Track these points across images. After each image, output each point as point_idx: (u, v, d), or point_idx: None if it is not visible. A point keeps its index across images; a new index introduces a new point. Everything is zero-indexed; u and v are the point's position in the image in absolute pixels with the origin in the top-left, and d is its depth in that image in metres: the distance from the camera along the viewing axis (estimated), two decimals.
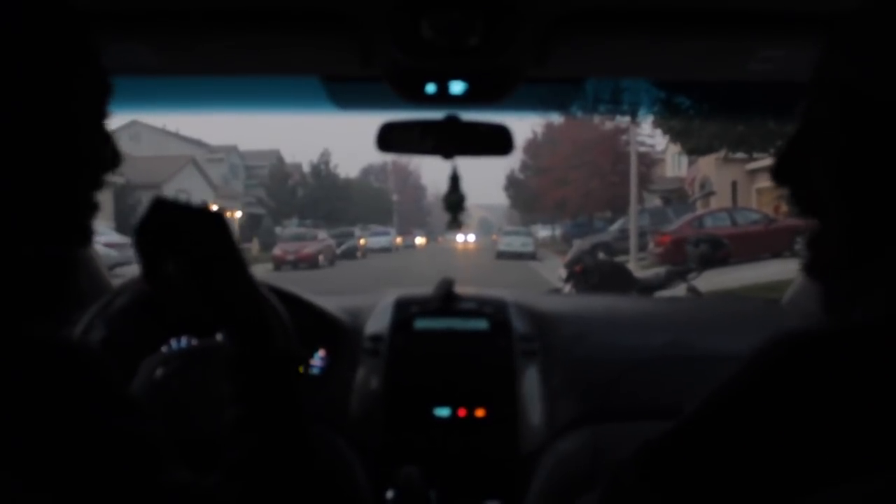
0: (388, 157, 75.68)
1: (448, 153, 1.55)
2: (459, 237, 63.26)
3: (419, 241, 53.83)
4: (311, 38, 1.28)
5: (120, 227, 27.20)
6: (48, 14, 0.72)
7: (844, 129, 0.69)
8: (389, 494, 1.47)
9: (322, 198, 46.61)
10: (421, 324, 1.83)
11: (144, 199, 29.55)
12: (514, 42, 1.22)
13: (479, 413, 1.74)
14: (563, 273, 7.11)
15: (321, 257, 26.45)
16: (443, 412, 1.74)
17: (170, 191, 32.88)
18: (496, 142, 1.56)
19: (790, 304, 2.07)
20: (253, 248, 30.20)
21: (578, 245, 8.53)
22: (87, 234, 0.80)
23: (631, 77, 1.67)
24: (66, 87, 0.73)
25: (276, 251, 26.26)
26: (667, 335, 1.85)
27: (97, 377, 0.68)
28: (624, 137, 31.53)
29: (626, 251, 19.46)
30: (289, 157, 53.83)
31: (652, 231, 19.77)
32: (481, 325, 1.82)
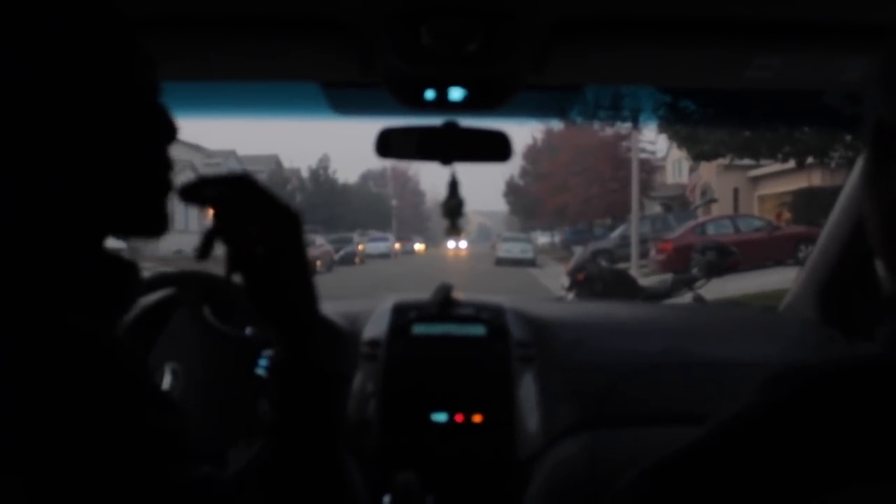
0: (388, 163, 75.65)
1: (446, 159, 1.55)
2: (451, 243, 62.97)
3: (418, 246, 53.35)
4: (310, 44, 1.29)
5: None
6: (98, 15, 0.74)
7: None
8: (386, 500, 1.48)
9: (320, 203, 46.57)
10: (419, 329, 1.84)
11: None
12: (514, 49, 1.24)
13: (477, 418, 1.75)
14: (565, 281, 7.02)
15: (319, 263, 26.22)
16: (440, 417, 1.75)
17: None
18: (494, 148, 1.56)
19: (788, 312, 2.08)
20: None
21: (580, 253, 8.45)
22: (163, 219, 0.80)
23: (629, 84, 1.68)
24: (121, 74, 0.74)
25: None
26: (664, 341, 1.87)
27: (128, 369, 0.68)
28: (624, 144, 31.56)
29: (627, 258, 19.39)
30: (287, 162, 53.74)
31: (653, 238, 19.74)
32: (479, 330, 1.84)
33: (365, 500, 1.64)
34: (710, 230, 17.90)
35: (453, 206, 1.62)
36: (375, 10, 1.15)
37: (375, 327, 1.85)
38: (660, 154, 35.20)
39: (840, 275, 1.92)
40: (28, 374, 0.62)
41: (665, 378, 1.78)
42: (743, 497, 0.64)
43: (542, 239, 46.43)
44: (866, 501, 0.60)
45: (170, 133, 0.78)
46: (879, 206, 0.70)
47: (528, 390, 1.78)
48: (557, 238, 43.33)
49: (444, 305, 1.86)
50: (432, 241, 68.65)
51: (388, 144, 1.56)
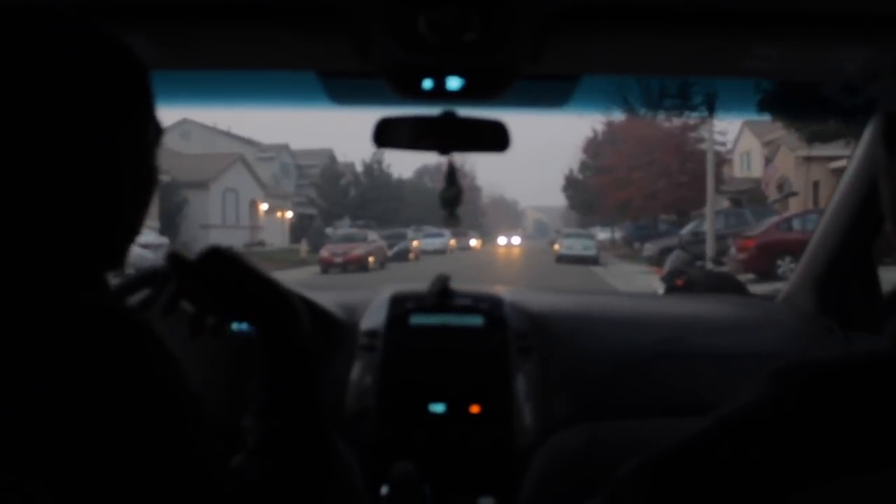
0: (443, 158, 75.43)
1: (444, 149, 1.58)
2: (502, 239, 61.92)
3: (474, 242, 52.75)
4: (307, 32, 1.32)
5: (164, 227, 26.85)
6: (111, 60, 0.82)
7: None
8: (384, 490, 1.51)
9: (374, 198, 46.15)
10: (416, 320, 1.86)
11: (191, 198, 29.04)
12: (511, 38, 1.26)
13: (474, 409, 1.77)
14: (659, 287, 6.06)
15: (371, 259, 25.43)
16: (438, 408, 1.77)
17: (217, 189, 32.47)
18: (493, 138, 1.57)
19: (785, 303, 2.10)
20: (301, 249, 29.35)
21: (675, 255, 7.59)
22: (122, 259, 0.87)
23: (627, 73, 1.67)
24: (117, 130, 0.81)
25: (324, 253, 25.68)
26: (662, 333, 1.88)
27: (146, 342, 0.73)
28: (693, 135, 30.18)
29: (700, 256, 18.06)
30: (341, 157, 53.84)
31: (732, 234, 18.45)
32: (477, 321, 1.86)
33: (363, 491, 1.66)
34: (797, 226, 16.77)
35: (451, 196, 1.66)
36: None
37: (373, 318, 1.87)
38: (729, 146, 33.62)
39: (838, 266, 1.92)
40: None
41: (663, 369, 1.80)
42: (746, 488, 0.65)
43: (602, 235, 45.31)
44: (869, 490, 0.61)
45: (153, 185, 0.88)
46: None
47: (526, 381, 1.80)
48: (618, 234, 42.09)
49: (441, 296, 1.88)
50: (488, 237, 67.81)
51: (386, 134, 1.58)
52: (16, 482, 0.63)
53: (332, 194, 44.39)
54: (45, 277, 0.73)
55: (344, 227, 36.05)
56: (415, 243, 33.86)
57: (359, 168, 49.92)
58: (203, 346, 1.44)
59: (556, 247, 33.86)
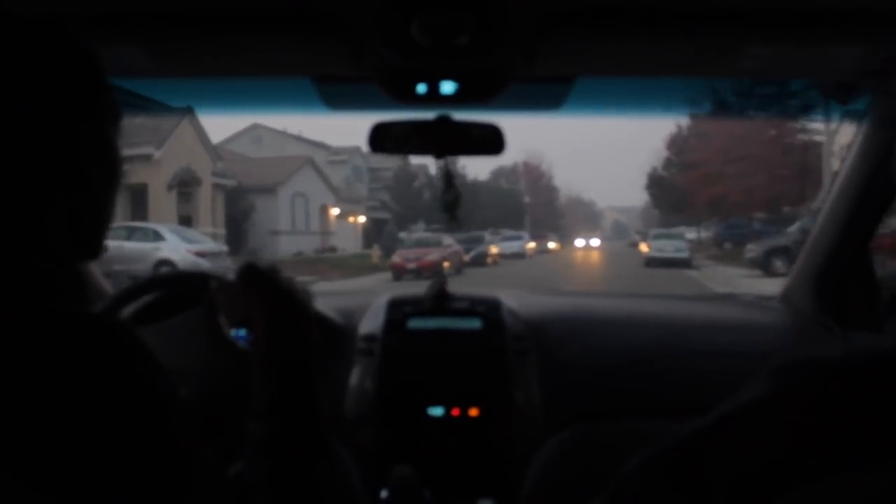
0: (519, 158, 74.92)
1: (439, 153, 1.61)
2: (579, 241, 60.33)
3: (552, 245, 51.57)
4: (301, 39, 1.33)
5: (231, 233, 25.94)
6: (59, 50, 0.82)
7: None
8: (384, 494, 1.51)
9: None
10: (414, 323, 1.88)
11: (259, 204, 27.40)
12: (504, 41, 1.28)
13: (473, 412, 1.79)
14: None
15: (447, 264, 23.80)
16: (436, 411, 1.79)
17: (286, 194, 31.45)
18: (487, 141, 1.59)
19: (783, 301, 2.10)
20: (372, 255, 27.96)
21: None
22: (97, 248, 0.89)
23: (621, 75, 1.65)
24: (73, 118, 0.82)
25: (395, 259, 24.02)
26: (659, 333, 1.90)
27: (128, 349, 0.74)
28: (794, 125, 27.95)
29: None
30: (414, 159, 52.10)
31: None
32: (474, 324, 1.87)
33: (362, 495, 1.69)
34: None
35: (450, 201, 1.72)
36: (366, 3, 1.20)
37: (371, 322, 1.90)
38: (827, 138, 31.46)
39: (835, 264, 1.92)
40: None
41: (661, 369, 1.81)
42: (747, 485, 0.66)
43: (688, 235, 42.94)
44: (868, 487, 0.62)
45: (118, 174, 0.90)
46: None
47: (524, 383, 1.81)
48: (704, 234, 39.89)
49: (438, 299, 1.90)
50: (565, 240, 66.52)
51: (381, 139, 1.60)
52: None
53: (406, 197, 43.46)
54: (20, 280, 0.75)
55: (419, 231, 35.08)
56: (493, 249, 32.14)
57: (432, 170, 48.88)
58: (205, 349, 1.50)
59: (645, 248, 31.50)
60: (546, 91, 1.60)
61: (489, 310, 1.88)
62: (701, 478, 0.67)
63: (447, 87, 1.40)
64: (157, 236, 18.01)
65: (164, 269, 14.67)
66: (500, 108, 1.59)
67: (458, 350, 1.82)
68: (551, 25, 1.23)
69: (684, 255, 27.40)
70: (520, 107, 1.70)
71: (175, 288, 1.68)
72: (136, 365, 0.72)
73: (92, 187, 0.83)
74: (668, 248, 28.08)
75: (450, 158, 1.68)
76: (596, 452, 1.62)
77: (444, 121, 1.54)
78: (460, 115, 1.55)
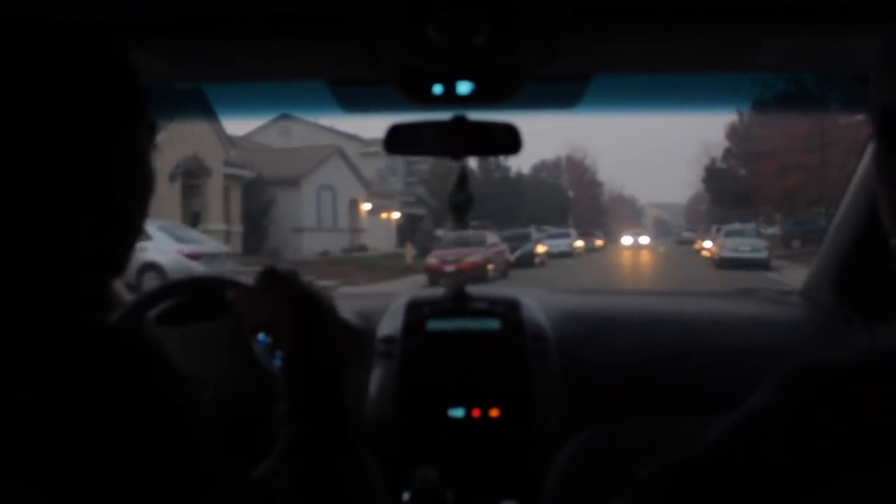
0: (562, 152, 72.75)
1: (456, 154, 1.61)
2: (626, 239, 57.70)
3: (598, 242, 49.79)
4: (317, 42, 1.33)
5: (248, 230, 23.36)
6: (104, 65, 0.81)
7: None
8: (406, 497, 1.52)
9: (491, 195, 43.81)
10: (433, 325, 1.88)
11: (280, 197, 23.73)
12: (520, 41, 1.28)
13: (494, 413, 1.79)
14: None
15: (491, 267, 20.73)
16: (457, 413, 1.79)
17: (311, 186, 28.78)
18: (504, 141, 1.59)
19: (804, 296, 2.08)
20: (406, 254, 25.12)
21: None
22: (122, 264, 0.88)
23: (639, 72, 1.63)
24: (112, 129, 0.81)
25: (432, 260, 21.19)
26: (679, 331, 1.88)
27: (147, 363, 0.74)
28: None
29: None
30: None
31: None
32: (493, 324, 1.87)
33: (385, 498, 1.69)
34: None
35: (461, 201, 1.69)
36: (382, 5, 1.20)
37: (390, 324, 1.89)
38: None
39: (856, 259, 1.91)
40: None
41: (681, 368, 1.80)
42: (765, 493, 0.65)
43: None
44: (883, 486, 0.62)
45: (150, 189, 0.88)
46: (891, 190, 0.74)
47: (544, 383, 1.80)
48: (769, 230, 36.90)
49: (457, 300, 1.89)
50: (609, 236, 65.42)
51: (398, 141, 1.60)
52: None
53: (444, 192, 40.63)
54: (46, 295, 0.75)
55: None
56: (540, 249, 29.14)
57: (472, 164, 46.73)
58: (231, 357, 1.47)
59: (713, 248, 28.36)
60: (562, 89, 1.59)
61: (508, 310, 1.89)
62: (718, 488, 0.67)
63: (463, 88, 1.41)
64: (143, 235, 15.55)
65: (149, 275, 12.56)
66: (515, 108, 1.59)
67: (477, 351, 1.83)
68: (568, 23, 1.22)
69: (763, 255, 24.45)
70: (535, 106, 1.70)
71: (197, 293, 1.68)
72: (156, 378, 0.72)
73: (121, 203, 0.81)
74: (744, 248, 25.05)
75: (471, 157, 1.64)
76: (618, 451, 1.66)
77: (460, 121, 1.55)
78: (475, 116, 1.55)
